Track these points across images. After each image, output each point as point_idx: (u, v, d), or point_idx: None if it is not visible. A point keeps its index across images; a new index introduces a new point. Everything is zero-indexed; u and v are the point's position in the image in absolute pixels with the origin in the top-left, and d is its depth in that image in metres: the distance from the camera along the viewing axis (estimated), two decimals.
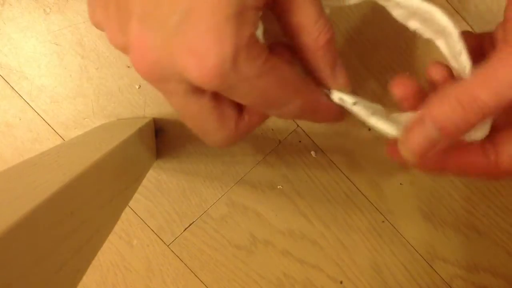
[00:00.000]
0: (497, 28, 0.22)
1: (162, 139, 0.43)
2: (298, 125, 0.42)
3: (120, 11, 0.19)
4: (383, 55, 0.41)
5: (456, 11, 0.41)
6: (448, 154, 0.21)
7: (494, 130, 0.20)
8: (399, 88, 0.23)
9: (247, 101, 0.20)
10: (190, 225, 0.44)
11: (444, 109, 0.18)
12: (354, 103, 0.23)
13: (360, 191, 0.44)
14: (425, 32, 0.22)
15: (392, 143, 0.22)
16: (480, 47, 0.24)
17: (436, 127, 0.19)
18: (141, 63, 0.19)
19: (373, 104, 0.23)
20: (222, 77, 0.18)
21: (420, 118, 0.19)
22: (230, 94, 0.19)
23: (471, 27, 0.41)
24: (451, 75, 0.22)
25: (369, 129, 0.43)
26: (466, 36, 0.21)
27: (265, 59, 0.19)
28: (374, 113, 0.22)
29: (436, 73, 0.22)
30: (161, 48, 0.18)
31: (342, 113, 0.24)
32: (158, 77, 0.19)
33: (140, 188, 0.43)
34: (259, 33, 0.21)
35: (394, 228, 0.45)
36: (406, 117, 0.22)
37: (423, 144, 0.19)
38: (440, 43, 0.22)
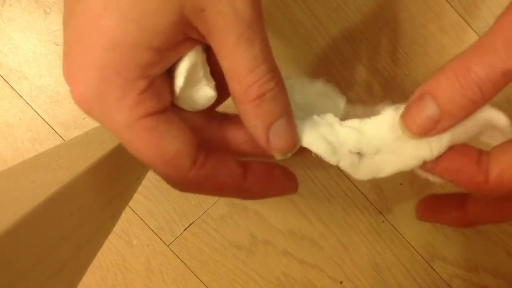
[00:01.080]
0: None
1: None
2: None
3: None
4: (382, 55, 0.41)
5: (462, 18, 0.41)
6: (443, 154, 0.19)
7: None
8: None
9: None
10: (190, 225, 0.44)
11: (442, 83, 0.17)
12: None
13: (360, 191, 0.44)
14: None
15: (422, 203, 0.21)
16: None
17: (435, 102, 0.17)
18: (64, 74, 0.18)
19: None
20: (87, 106, 0.16)
21: (420, 94, 0.18)
22: (106, 127, 0.17)
23: (477, 34, 0.41)
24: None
25: None
26: None
27: (143, 115, 0.16)
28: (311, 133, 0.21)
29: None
30: (64, 59, 0.17)
31: (254, 194, 0.21)
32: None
33: (140, 188, 0.43)
34: (181, 70, 0.18)
35: (394, 228, 0.45)
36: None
37: (424, 122, 0.18)
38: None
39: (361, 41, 0.41)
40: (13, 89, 0.41)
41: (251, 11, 0.16)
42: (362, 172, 0.20)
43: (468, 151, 0.19)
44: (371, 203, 0.44)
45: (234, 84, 0.17)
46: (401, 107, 0.19)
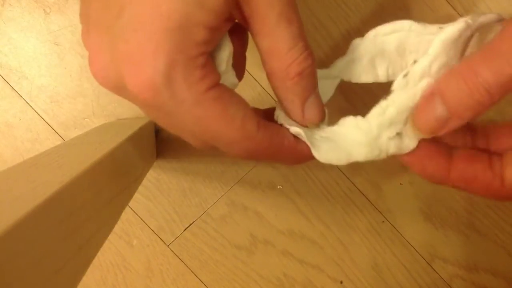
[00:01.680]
0: None
1: (162, 139, 0.43)
2: None
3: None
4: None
5: (458, 13, 0.41)
6: (453, 163, 0.20)
7: (503, 147, 0.20)
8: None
9: (184, 130, 0.18)
10: (190, 225, 0.44)
11: (450, 86, 0.17)
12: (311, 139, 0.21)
13: (360, 191, 0.44)
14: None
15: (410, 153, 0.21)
16: None
17: (444, 103, 0.18)
18: (93, 67, 0.18)
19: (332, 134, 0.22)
20: (154, 92, 0.17)
21: (430, 94, 0.18)
22: (167, 117, 0.18)
23: None
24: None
25: None
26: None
27: (209, 87, 0.17)
28: (330, 148, 0.21)
29: None
30: (108, 54, 0.17)
31: (306, 156, 0.21)
32: (113, 85, 0.18)
33: (140, 188, 0.43)
34: (223, 56, 0.19)
35: (394, 228, 0.45)
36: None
37: (433, 122, 0.18)
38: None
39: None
40: (13, 89, 0.41)
41: None
42: (412, 142, 0.21)
43: (479, 157, 0.19)
44: (371, 203, 0.44)
45: (274, 62, 0.18)
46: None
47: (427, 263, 0.45)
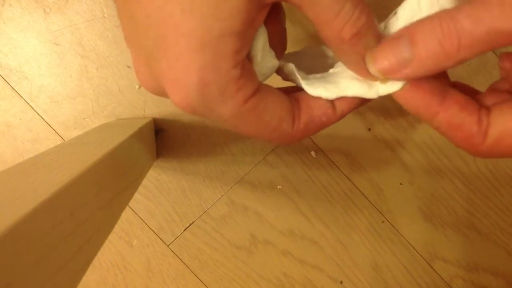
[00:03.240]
0: None
1: (162, 139, 0.43)
2: None
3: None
4: None
5: None
6: (444, 105, 0.18)
7: (494, 101, 0.19)
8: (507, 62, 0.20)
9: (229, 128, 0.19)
10: (190, 225, 0.44)
11: (423, 27, 0.16)
12: (304, 81, 0.20)
13: (360, 191, 0.44)
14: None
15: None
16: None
17: (410, 44, 0.17)
18: (138, 77, 0.19)
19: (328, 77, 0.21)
20: (192, 108, 0.17)
21: (398, 35, 0.17)
22: (215, 121, 0.18)
23: None
24: None
25: (369, 129, 0.43)
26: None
27: (246, 98, 0.17)
28: (323, 82, 0.20)
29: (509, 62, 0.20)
30: (147, 69, 0.18)
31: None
32: (160, 94, 0.18)
33: (140, 188, 0.43)
34: (258, 46, 0.18)
35: (394, 228, 0.45)
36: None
37: (393, 62, 0.17)
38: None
39: None
40: (13, 89, 0.41)
41: None
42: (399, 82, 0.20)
43: (470, 106, 0.18)
44: (371, 203, 0.44)
45: (325, 31, 0.17)
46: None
47: (427, 263, 0.45)
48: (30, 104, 0.42)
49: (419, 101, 0.18)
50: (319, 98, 0.20)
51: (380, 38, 0.18)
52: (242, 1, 0.16)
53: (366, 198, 0.44)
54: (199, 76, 0.16)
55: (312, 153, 0.43)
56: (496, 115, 0.18)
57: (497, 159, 0.43)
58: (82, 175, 0.20)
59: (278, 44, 0.20)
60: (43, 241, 0.15)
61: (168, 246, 0.44)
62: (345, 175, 0.44)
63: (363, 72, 0.19)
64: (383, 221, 0.45)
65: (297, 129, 0.19)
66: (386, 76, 0.18)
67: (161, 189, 0.44)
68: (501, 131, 0.17)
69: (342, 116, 0.21)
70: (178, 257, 0.45)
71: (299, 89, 0.21)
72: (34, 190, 0.16)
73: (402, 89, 0.19)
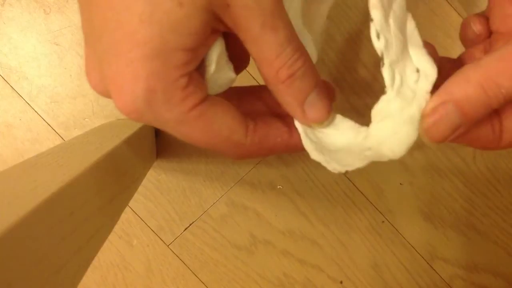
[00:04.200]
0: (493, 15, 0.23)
1: (162, 139, 0.43)
2: None
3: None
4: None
5: (462, 18, 0.41)
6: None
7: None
8: (480, 24, 0.23)
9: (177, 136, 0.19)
10: (190, 225, 0.44)
11: (469, 94, 0.18)
12: (315, 147, 0.20)
13: (360, 191, 0.44)
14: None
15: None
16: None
17: (460, 112, 0.18)
18: (88, 79, 0.19)
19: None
20: (137, 114, 0.17)
21: (442, 103, 0.18)
22: (160, 128, 0.19)
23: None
24: (490, 29, 0.23)
25: None
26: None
27: (191, 106, 0.18)
28: (331, 158, 0.21)
29: (480, 25, 0.23)
30: (98, 72, 0.18)
31: (302, 148, 0.22)
32: (109, 97, 0.19)
33: (140, 188, 0.43)
34: (212, 57, 0.19)
35: (394, 228, 0.45)
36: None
37: (448, 131, 0.18)
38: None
39: (361, 41, 0.41)
40: (13, 89, 0.41)
41: (273, 1, 0.17)
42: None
43: (484, 120, 0.19)
44: (371, 203, 0.44)
45: (264, 69, 0.18)
46: None
47: (427, 263, 0.45)
48: (30, 104, 0.42)
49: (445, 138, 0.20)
50: (277, 122, 0.21)
51: (320, 87, 0.20)
52: (201, 23, 0.17)
53: (366, 198, 0.44)
54: (147, 82, 0.17)
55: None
56: (508, 123, 0.19)
57: (497, 159, 0.43)
58: (82, 175, 0.20)
59: (238, 58, 0.21)
60: (43, 241, 0.15)
61: (168, 246, 0.44)
62: (345, 175, 0.44)
63: (299, 115, 0.20)
64: (383, 221, 0.45)
65: (251, 143, 0.20)
66: (443, 142, 0.19)
67: (161, 189, 0.44)
68: None
69: (299, 145, 0.21)
70: (178, 257, 0.45)
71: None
72: (34, 190, 0.16)
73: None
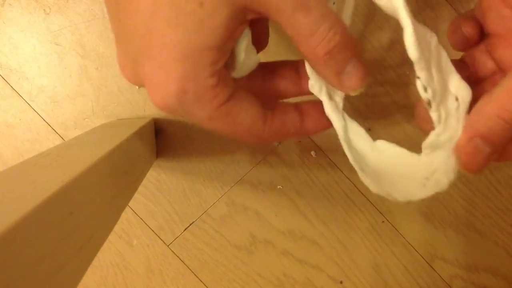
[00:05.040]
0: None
1: (162, 139, 0.43)
2: None
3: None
4: (382, 54, 0.41)
5: (458, 13, 0.41)
6: None
7: None
8: (470, 27, 0.24)
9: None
10: (190, 225, 0.44)
11: (492, 127, 0.20)
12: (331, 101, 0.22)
13: (360, 191, 0.44)
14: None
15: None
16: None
17: (488, 144, 0.20)
18: (124, 75, 0.20)
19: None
20: (170, 110, 0.19)
21: (469, 139, 0.20)
22: (191, 121, 0.20)
23: None
24: (481, 31, 0.23)
25: (369, 129, 0.43)
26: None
27: (220, 103, 0.19)
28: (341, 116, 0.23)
29: (470, 28, 0.24)
30: (132, 70, 0.19)
31: (314, 131, 0.24)
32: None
33: (140, 188, 0.43)
34: (241, 46, 0.20)
35: (394, 228, 0.45)
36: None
37: (482, 163, 0.20)
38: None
39: (361, 41, 0.41)
40: (13, 89, 0.41)
41: None
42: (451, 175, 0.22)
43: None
44: (371, 203, 0.44)
45: (301, 47, 0.19)
46: None
47: (427, 263, 0.45)
48: (30, 104, 0.42)
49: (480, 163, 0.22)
50: (291, 111, 0.22)
51: (357, 56, 0.21)
52: (225, 19, 0.17)
53: (366, 198, 0.44)
54: (179, 84, 0.18)
55: (312, 153, 0.43)
56: None
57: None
58: (82, 175, 0.20)
59: (260, 41, 0.22)
60: (43, 241, 0.15)
61: (168, 246, 0.44)
62: (345, 175, 0.44)
63: (336, 84, 0.21)
64: (383, 221, 0.45)
65: (268, 132, 0.21)
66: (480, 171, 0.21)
67: (161, 189, 0.44)
68: None
69: (308, 132, 0.23)
70: (178, 257, 0.45)
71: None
72: (34, 190, 0.16)
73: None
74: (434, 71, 0.20)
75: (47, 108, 0.42)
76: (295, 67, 0.23)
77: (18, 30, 0.40)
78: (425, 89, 0.20)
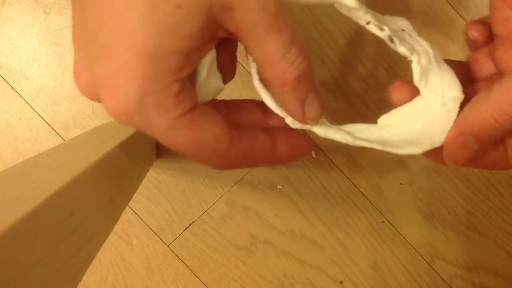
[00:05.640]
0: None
1: None
2: None
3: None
4: (382, 55, 0.41)
5: (462, 18, 0.41)
6: None
7: None
8: (476, 31, 0.24)
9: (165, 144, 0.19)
10: (190, 225, 0.44)
11: (483, 125, 0.20)
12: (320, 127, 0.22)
13: (360, 191, 0.44)
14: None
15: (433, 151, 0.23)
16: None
17: (477, 140, 0.20)
18: (76, 81, 0.19)
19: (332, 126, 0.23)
20: (127, 116, 0.17)
21: (460, 134, 0.21)
22: (147, 132, 0.18)
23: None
24: (490, 34, 0.24)
25: None
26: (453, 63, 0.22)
27: (182, 113, 0.18)
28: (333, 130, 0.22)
29: (476, 31, 0.24)
30: (87, 72, 0.18)
31: (289, 158, 0.22)
32: (96, 99, 0.19)
33: (140, 188, 0.43)
34: (204, 63, 0.19)
35: (394, 228, 0.45)
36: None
37: (468, 156, 0.21)
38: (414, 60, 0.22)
39: (361, 41, 0.41)
40: (13, 89, 0.41)
41: (277, 2, 0.17)
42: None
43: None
44: (371, 203, 0.44)
45: (269, 71, 0.19)
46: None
47: (427, 263, 0.45)
48: (30, 104, 0.42)
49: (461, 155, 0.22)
50: (261, 135, 0.21)
51: (315, 86, 0.20)
52: (199, 28, 0.17)
53: (366, 198, 0.44)
54: (141, 85, 0.16)
55: (312, 153, 0.43)
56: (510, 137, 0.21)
57: None
58: (82, 175, 0.20)
59: (226, 69, 0.21)
60: (43, 241, 0.15)
61: (168, 246, 0.44)
62: (345, 175, 0.44)
63: (298, 113, 0.20)
64: (383, 221, 0.45)
65: (234, 153, 0.20)
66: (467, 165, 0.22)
67: (161, 189, 0.44)
68: None
69: (281, 159, 0.21)
70: (178, 257, 0.45)
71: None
72: (34, 190, 0.16)
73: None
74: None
75: (47, 108, 0.42)
76: (260, 104, 0.22)
77: (18, 30, 0.40)
78: (380, 28, 0.20)
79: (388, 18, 0.23)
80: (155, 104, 0.17)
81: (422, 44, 0.22)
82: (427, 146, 0.21)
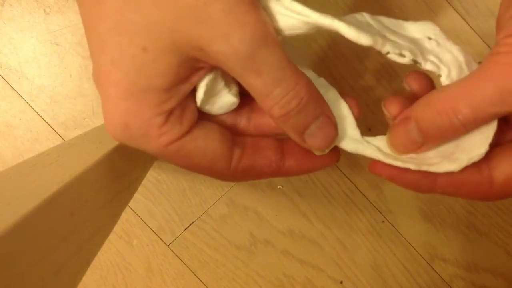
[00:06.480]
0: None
1: None
2: None
3: None
4: (382, 55, 0.41)
5: (462, 18, 0.41)
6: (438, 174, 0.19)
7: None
8: (415, 82, 0.21)
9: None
10: (190, 225, 0.44)
11: (427, 116, 0.18)
12: None
13: (360, 191, 0.44)
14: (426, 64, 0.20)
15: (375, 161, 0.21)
16: None
17: (419, 130, 0.19)
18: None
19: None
20: (120, 141, 0.18)
21: (406, 117, 0.19)
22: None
23: (477, 34, 0.41)
24: (431, 84, 0.21)
25: (369, 129, 0.43)
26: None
27: (169, 142, 0.18)
28: None
29: (415, 83, 0.21)
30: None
31: (296, 172, 0.21)
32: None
33: (140, 188, 0.43)
34: (201, 86, 0.19)
35: (394, 228, 0.45)
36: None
37: (406, 143, 0.19)
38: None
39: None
40: (13, 89, 0.41)
41: (250, 46, 0.16)
42: None
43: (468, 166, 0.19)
44: (371, 203, 0.44)
45: (259, 103, 0.18)
46: None
47: (427, 263, 0.45)
48: (30, 104, 0.42)
49: (412, 179, 0.20)
50: (268, 150, 0.20)
51: (324, 113, 0.19)
52: (170, 67, 0.17)
53: (366, 198, 0.44)
54: (122, 119, 0.17)
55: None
56: (498, 158, 0.19)
57: None
58: (82, 175, 0.20)
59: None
60: (43, 241, 0.15)
61: (168, 246, 0.44)
62: (345, 175, 0.44)
63: (300, 142, 0.19)
64: (383, 221, 0.45)
65: (235, 171, 0.20)
66: (407, 154, 0.20)
67: (161, 189, 0.44)
68: (508, 173, 0.18)
69: (289, 173, 0.21)
70: (178, 257, 0.45)
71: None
72: (34, 190, 0.16)
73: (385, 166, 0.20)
74: (390, 37, 0.20)
75: (47, 108, 0.42)
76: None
77: (18, 30, 0.40)
78: (401, 55, 0.19)
79: (412, 25, 0.21)
80: (139, 135, 0.18)
81: (453, 51, 0.21)
82: (465, 161, 0.19)
